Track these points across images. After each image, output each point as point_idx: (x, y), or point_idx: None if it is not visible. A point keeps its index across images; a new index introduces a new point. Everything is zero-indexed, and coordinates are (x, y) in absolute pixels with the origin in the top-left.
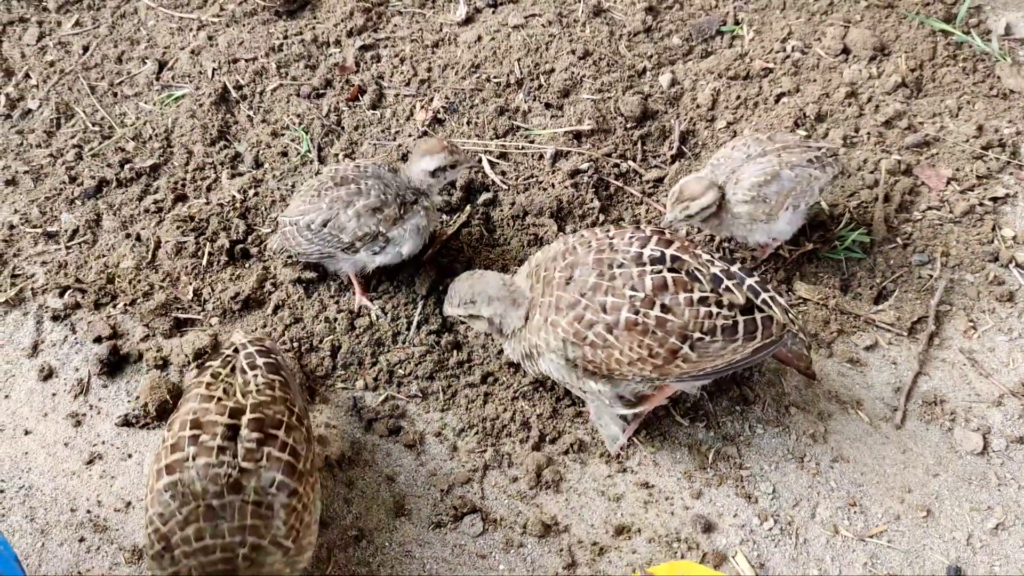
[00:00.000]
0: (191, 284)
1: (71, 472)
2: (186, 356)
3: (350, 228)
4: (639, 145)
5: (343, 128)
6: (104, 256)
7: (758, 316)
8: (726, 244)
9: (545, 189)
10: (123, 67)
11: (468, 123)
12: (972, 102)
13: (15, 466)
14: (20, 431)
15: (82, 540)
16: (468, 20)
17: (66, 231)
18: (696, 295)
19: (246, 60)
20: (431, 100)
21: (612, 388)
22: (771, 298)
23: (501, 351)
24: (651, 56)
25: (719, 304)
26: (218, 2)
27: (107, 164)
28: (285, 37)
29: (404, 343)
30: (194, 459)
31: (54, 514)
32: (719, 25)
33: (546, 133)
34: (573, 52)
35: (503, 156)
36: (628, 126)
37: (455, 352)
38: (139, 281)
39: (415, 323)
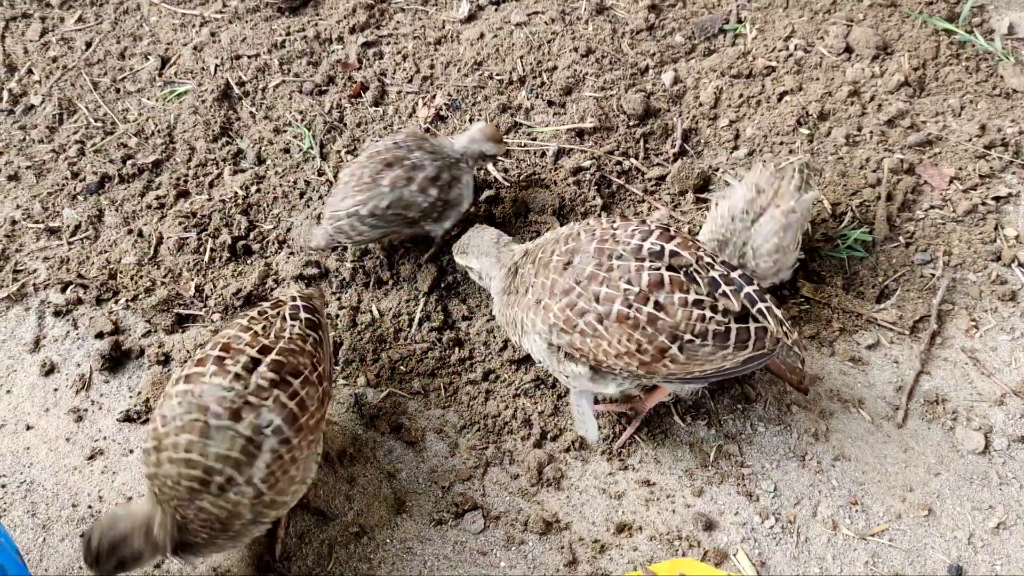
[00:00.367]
0: (193, 280)
1: (72, 467)
2: (187, 352)
3: (416, 203)
4: (641, 143)
5: (345, 125)
6: (106, 252)
7: (752, 326)
8: None
9: (547, 186)
10: (126, 63)
11: (470, 120)
12: (975, 101)
13: (16, 461)
14: (22, 426)
15: (83, 535)
16: (471, 17)
17: (68, 227)
18: (692, 296)
19: (248, 56)
20: (433, 97)
21: (597, 379)
22: (768, 309)
23: (503, 348)
24: (654, 54)
25: (713, 308)
26: None
27: (109, 160)
28: (288, 34)
29: (406, 340)
30: (211, 377)
31: (55, 509)
32: (722, 23)
33: (548, 131)
34: (576, 50)
35: (505, 154)
36: (630, 124)
37: (457, 349)
38: (141, 277)
39: (416, 320)
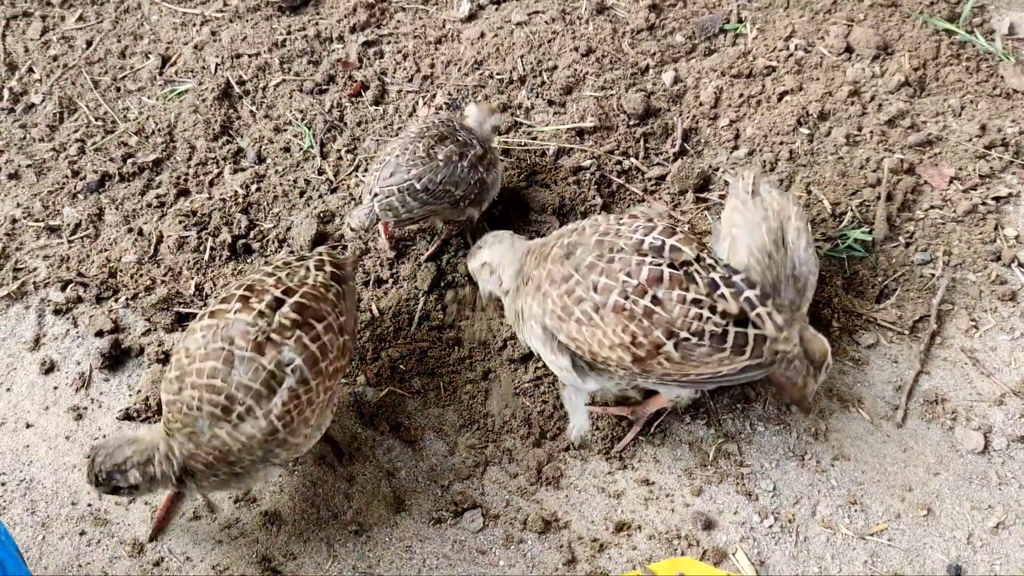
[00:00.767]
0: (193, 279)
1: (72, 465)
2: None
3: (466, 180)
4: (641, 143)
5: (346, 124)
6: (106, 250)
7: (751, 332)
8: None
9: (547, 186)
10: (126, 62)
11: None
12: (975, 101)
13: (16, 459)
14: (22, 424)
15: (83, 533)
16: (471, 17)
17: (68, 225)
18: (691, 295)
19: (249, 55)
20: (434, 96)
21: (590, 374)
22: (768, 314)
23: (503, 348)
24: (654, 54)
25: (712, 309)
26: None
27: (110, 158)
28: (288, 33)
29: (406, 339)
30: (236, 313)
31: (55, 507)
32: (722, 23)
33: (548, 130)
34: (576, 49)
35: (506, 153)
36: (631, 123)
37: (456, 348)
38: (141, 275)
39: (416, 319)
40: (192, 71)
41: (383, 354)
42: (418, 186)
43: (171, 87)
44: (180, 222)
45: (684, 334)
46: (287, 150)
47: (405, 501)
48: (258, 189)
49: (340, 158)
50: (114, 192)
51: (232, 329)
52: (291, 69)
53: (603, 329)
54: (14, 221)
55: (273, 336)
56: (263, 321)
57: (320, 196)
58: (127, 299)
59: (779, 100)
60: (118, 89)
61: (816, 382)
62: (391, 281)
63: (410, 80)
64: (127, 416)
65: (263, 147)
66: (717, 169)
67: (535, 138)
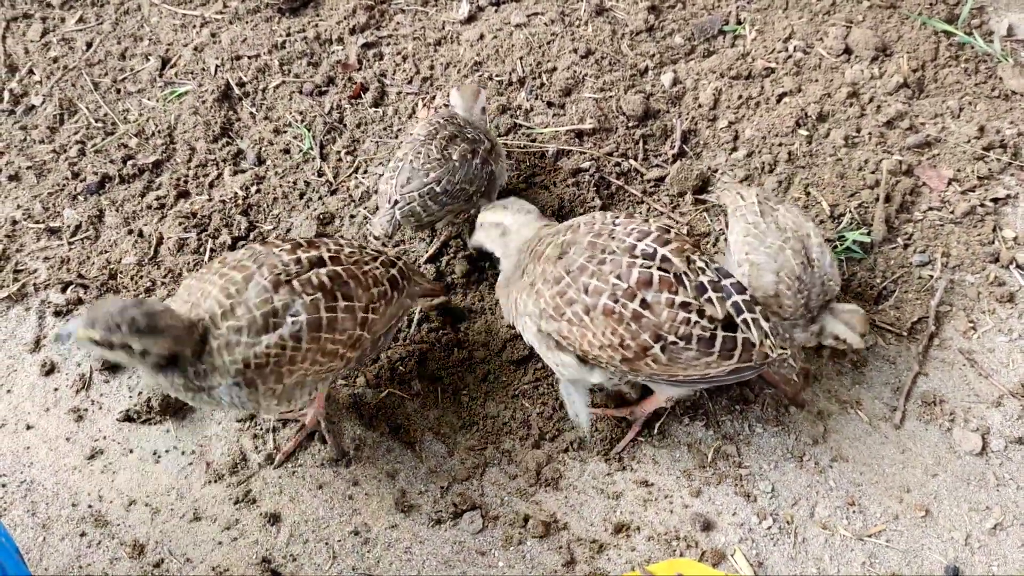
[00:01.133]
0: None
1: (72, 467)
2: None
3: (480, 176)
4: (640, 144)
5: (345, 126)
6: (106, 252)
7: (740, 336)
8: None
9: (547, 188)
10: (126, 64)
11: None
12: (974, 103)
13: (17, 461)
14: (22, 426)
15: (83, 535)
16: (471, 18)
17: (69, 227)
18: (679, 298)
19: (249, 57)
20: (433, 98)
21: (585, 370)
22: (754, 320)
23: (502, 349)
24: (653, 55)
25: (700, 313)
26: None
27: (110, 160)
28: (288, 34)
29: (405, 341)
30: (279, 249)
31: (55, 509)
32: (721, 24)
33: (548, 132)
34: (575, 51)
35: (505, 154)
36: (630, 125)
37: (456, 350)
38: (141, 277)
39: (416, 321)
40: (192, 73)
41: (382, 355)
42: (438, 189)
43: (171, 89)
44: (180, 224)
45: (672, 337)
46: (287, 152)
47: (405, 502)
48: (258, 191)
49: (340, 160)
50: (114, 194)
51: (267, 258)
52: (291, 71)
53: (593, 330)
54: (14, 223)
55: (294, 283)
56: (295, 266)
57: (320, 198)
58: None
59: (778, 101)
60: (118, 91)
61: (856, 345)
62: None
63: (410, 82)
64: (127, 417)
65: (263, 149)
66: (716, 171)
67: (534, 140)
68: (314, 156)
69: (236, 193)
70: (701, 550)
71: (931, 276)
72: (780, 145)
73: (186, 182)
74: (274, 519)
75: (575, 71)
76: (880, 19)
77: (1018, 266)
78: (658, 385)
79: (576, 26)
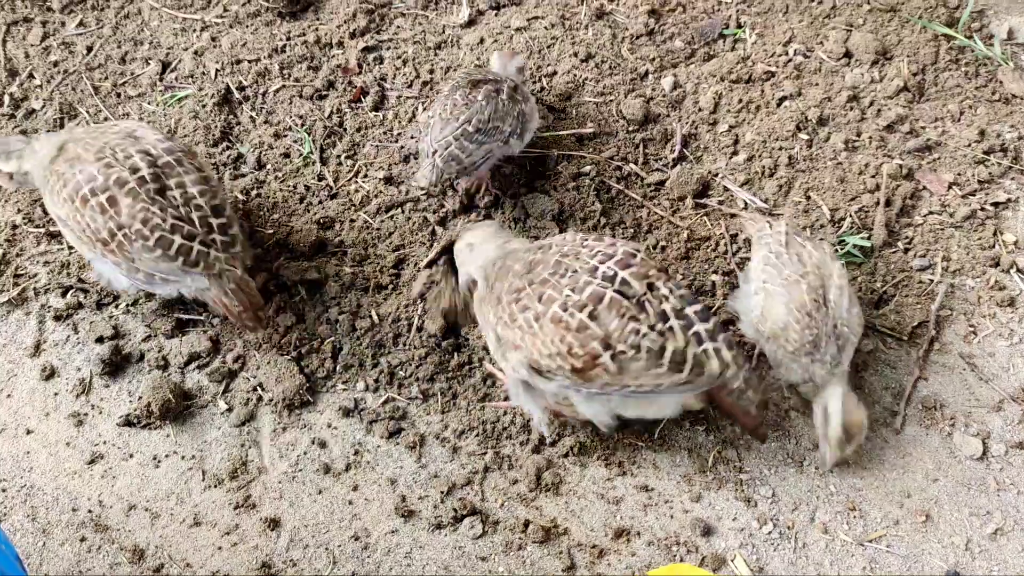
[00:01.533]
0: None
1: (73, 472)
2: (186, 356)
3: (511, 113)
4: (641, 148)
5: (345, 130)
6: None
7: (691, 350)
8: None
9: (547, 192)
10: (126, 67)
11: None
12: (974, 107)
13: (16, 465)
14: (22, 430)
15: (83, 540)
16: (471, 22)
17: None
18: (628, 313)
19: (249, 61)
20: (433, 102)
21: (537, 379)
22: (716, 350)
23: None
24: (653, 59)
25: (651, 327)
26: (222, 3)
27: None
28: (288, 38)
29: (405, 345)
30: None
31: (55, 513)
32: (721, 28)
33: (548, 136)
34: (575, 55)
35: (506, 159)
36: (630, 129)
37: (456, 354)
38: None
39: (415, 325)
40: (192, 77)
41: (382, 360)
42: (470, 128)
43: (171, 93)
44: None
45: (620, 347)
46: (287, 156)
47: (405, 507)
48: (258, 195)
49: (340, 164)
50: None
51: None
52: (291, 75)
53: (542, 338)
54: (14, 227)
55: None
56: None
57: (320, 202)
58: (127, 305)
59: (778, 105)
60: (118, 95)
61: (843, 453)
62: (391, 287)
63: (410, 86)
64: (127, 422)
65: (263, 153)
66: (716, 175)
67: (535, 144)
68: (314, 160)
69: (236, 197)
70: (701, 555)
71: (931, 280)
72: (780, 149)
73: None
74: (274, 524)
75: (575, 75)
76: (880, 23)
77: (1019, 270)
78: (607, 399)
79: (576, 30)
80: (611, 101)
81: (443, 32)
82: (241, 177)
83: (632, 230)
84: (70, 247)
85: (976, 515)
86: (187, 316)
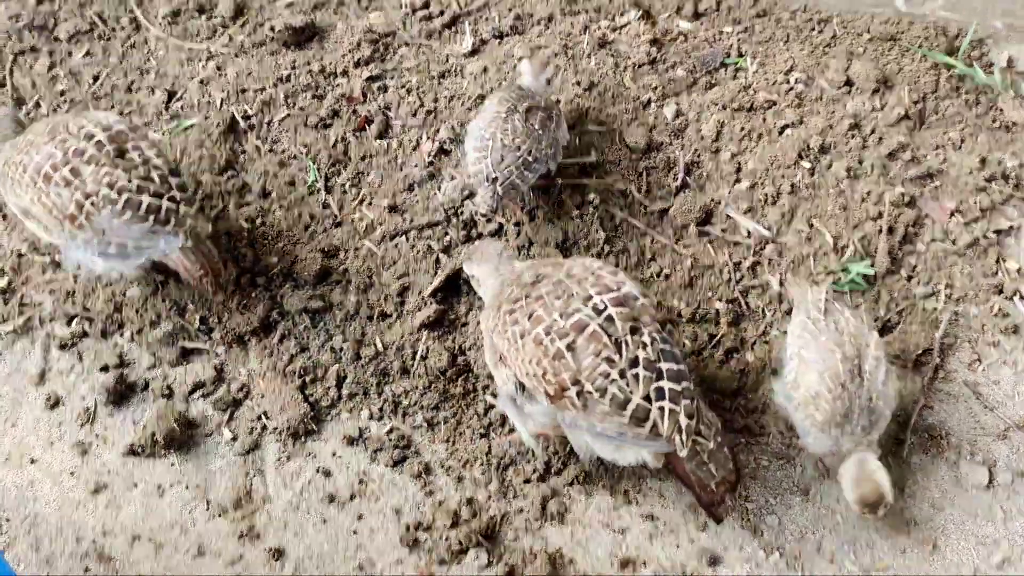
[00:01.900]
0: (198, 313)
1: (77, 502)
2: (191, 385)
3: (557, 139)
4: (644, 176)
5: (350, 158)
6: (111, 284)
7: (655, 405)
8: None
9: (551, 220)
10: (132, 97)
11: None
12: (975, 134)
13: (20, 495)
14: (26, 460)
15: (87, 570)
16: (474, 51)
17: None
18: (604, 353)
19: (254, 90)
20: (437, 131)
21: (525, 396)
22: (671, 412)
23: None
24: (655, 88)
25: (621, 374)
26: (227, 32)
27: None
28: (293, 68)
29: (409, 373)
30: None
31: (59, 544)
32: (723, 57)
33: (552, 164)
34: (578, 83)
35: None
36: (633, 157)
37: (460, 382)
38: (146, 310)
39: (420, 354)
40: (198, 106)
41: (387, 389)
42: (530, 159)
43: (177, 122)
44: None
45: (588, 387)
46: (292, 184)
47: (410, 538)
48: (263, 223)
49: (344, 192)
50: None
51: None
52: (296, 104)
53: (523, 355)
54: (20, 255)
55: None
56: None
57: (324, 230)
58: (132, 333)
59: (780, 133)
60: None
61: (874, 516)
62: (395, 315)
63: (414, 114)
64: (132, 451)
65: (268, 181)
66: (719, 203)
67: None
68: (319, 189)
69: (241, 226)
70: None
71: (935, 308)
72: (783, 177)
73: None
74: (278, 554)
75: (578, 103)
76: (881, 51)
77: (1022, 297)
78: (578, 432)
79: (579, 59)
80: (614, 130)
81: (447, 61)
82: (246, 205)
83: (636, 258)
84: (75, 275)
85: (983, 544)
86: (192, 344)
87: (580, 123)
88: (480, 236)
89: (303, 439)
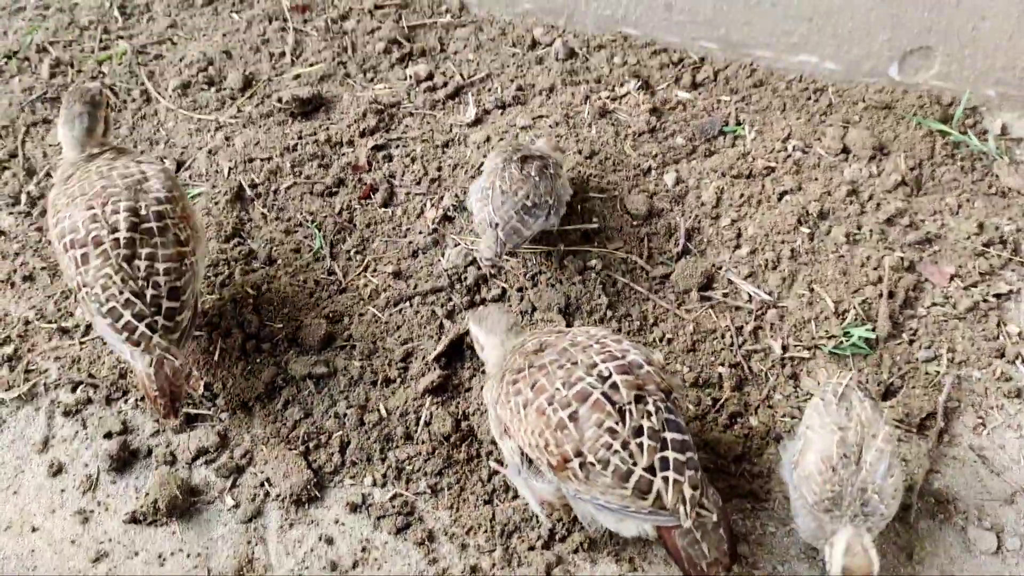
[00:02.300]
0: (203, 379)
1: (77, 570)
2: (194, 451)
3: (554, 188)
4: (645, 242)
5: (355, 225)
6: (116, 352)
7: (659, 477)
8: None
9: (553, 285)
10: None
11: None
12: (971, 200)
13: (21, 564)
14: (27, 528)
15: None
16: (477, 121)
17: (79, 326)
18: (608, 423)
19: (261, 159)
20: (441, 199)
21: (529, 468)
22: (675, 482)
23: None
24: (656, 155)
25: (624, 445)
26: (236, 104)
27: None
28: (300, 137)
29: (412, 440)
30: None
31: None
32: (721, 125)
33: (554, 230)
34: (580, 152)
35: (511, 253)
36: (634, 224)
37: (464, 448)
38: None
39: (424, 419)
40: (206, 175)
41: (390, 454)
42: (528, 203)
43: (185, 191)
44: None
45: (591, 458)
46: (297, 251)
47: None
48: (268, 290)
49: (349, 259)
50: None
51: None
52: (302, 172)
53: (526, 426)
54: (27, 323)
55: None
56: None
57: (329, 296)
58: (136, 400)
59: (779, 200)
60: None
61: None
62: (399, 380)
63: (418, 183)
64: (134, 519)
65: (274, 248)
66: (720, 268)
67: (540, 239)
68: (324, 255)
69: (247, 292)
70: None
71: (938, 372)
72: (783, 242)
73: None
74: None
75: (580, 171)
76: (876, 119)
77: None
78: (583, 504)
79: (580, 128)
80: (615, 196)
81: (450, 131)
82: (252, 272)
83: (639, 323)
84: (81, 342)
85: None
86: (196, 411)
87: (582, 190)
88: (484, 302)
89: (306, 506)
